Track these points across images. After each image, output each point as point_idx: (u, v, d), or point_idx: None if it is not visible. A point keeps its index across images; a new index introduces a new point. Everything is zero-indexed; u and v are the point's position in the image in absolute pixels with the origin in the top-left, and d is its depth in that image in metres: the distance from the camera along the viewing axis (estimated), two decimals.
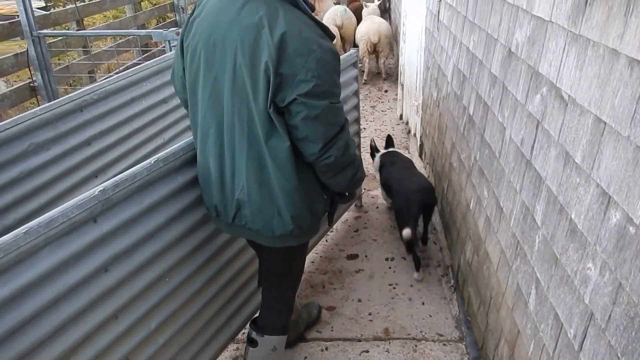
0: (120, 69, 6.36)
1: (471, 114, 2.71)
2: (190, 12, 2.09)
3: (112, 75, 4.78)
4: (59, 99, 2.94)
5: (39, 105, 4.81)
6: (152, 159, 2.06)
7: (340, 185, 2.13)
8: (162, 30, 4.24)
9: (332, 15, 7.80)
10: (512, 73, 2.01)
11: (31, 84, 4.58)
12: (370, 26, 7.29)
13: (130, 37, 6.52)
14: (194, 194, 2.28)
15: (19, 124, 2.63)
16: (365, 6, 8.22)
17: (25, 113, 2.72)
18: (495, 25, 2.27)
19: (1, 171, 2.56)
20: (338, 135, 1.93)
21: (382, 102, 7.16)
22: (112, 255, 1.88)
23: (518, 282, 1.90)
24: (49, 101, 4.62)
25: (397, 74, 7.00)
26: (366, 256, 3.75)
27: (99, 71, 6.11)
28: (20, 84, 4.59)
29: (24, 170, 2.68)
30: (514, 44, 1.99)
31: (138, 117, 3.56)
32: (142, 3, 8.42)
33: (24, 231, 1.55)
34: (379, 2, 8.67)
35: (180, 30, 4.37)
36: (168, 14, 8.36)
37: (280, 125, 1.86)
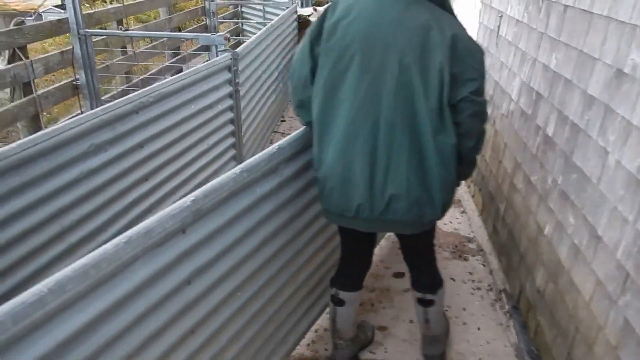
0: (154, 71, 6.30)
1: (550, 134, 2.60)
2: (322, 15, 2.05)
3: (152, 78, 4.69)
4: (118, 100, 2.85)
5: (79, 104, 4.75)
6: (236, 169, 1.97)
7: (469, 174, 2.35)
8: (210, 34, 4.16)
9: None
10: (624, 95, 1.90)
11: (74, 82, 4.50)
12: None
13: (164, 39, 6.45)
14: (270, 206, 2.20)
15: (81, 124, 2.55)
16: None
17: (87, 113, 2.64)
18: (594, 44, 2.17)
19: (63, 171, 2.47)
20: (484, 130, 2.14)
21: None
22: (197, 268, 1.79)
23: (627, 319, 1.79)
24: (91, 100, 4.55)
25: None
26: None
27: (133, 72, 6.02)
28: (64, 82, 4.50)
29: (84, 171, 2.59)
30: (629, 64, 1.88)
31: (186, 121, 3.50)
32: (177, 5, 8.35)
33: (124, 241, 1.44)
34: None
35: (226, 35, 4.31)
36: (200, 18, 8.32)
37: (450, 122, 1.98)
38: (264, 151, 2.16)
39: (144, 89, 3.08)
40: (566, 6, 2.49)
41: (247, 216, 2.05)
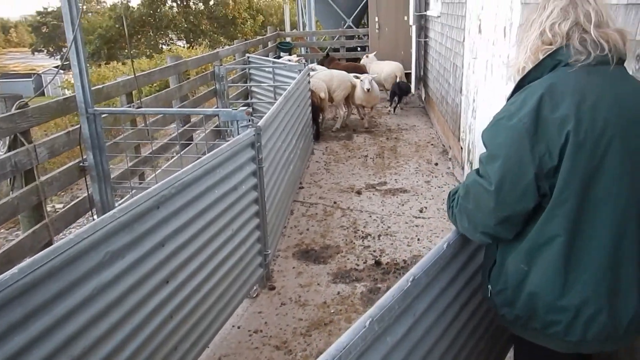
0: (162, 143, 5.97)
1: None
2: (534, 108, 1.65)
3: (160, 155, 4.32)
4: (137, 197, 2.48)
5: (87, 187, 4.37)
6: (364, 321, 1.50)
7: None
8: (230, 109, 3.82)
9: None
10: None
11: (81, 164, 4.12)
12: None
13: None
14: (400, 355, 1.71)
15: (97, 230, 2.17)
16: (367, 56, 11.39)
17: (104, 217, 2.26)
18: None
19: (74, 291, 2.08)
20: None
21: (435, 177, 6.78)
22: None
23: None
24: (99, 182, 4.17)
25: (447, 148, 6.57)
26: None
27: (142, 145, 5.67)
28: (70, 164, 4.12)
29: (98, 285, 2.21)
30: None
31: (210, 208, 3.16)
32: (186, 72, 8.09)
33: None
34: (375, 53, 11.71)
35: (249, 110, 3.96)
36: (209, 83, 8.06)
37: None
38: (395, 287, 1.69)
39: (164, 180, 2.71)
40: None
41: None
